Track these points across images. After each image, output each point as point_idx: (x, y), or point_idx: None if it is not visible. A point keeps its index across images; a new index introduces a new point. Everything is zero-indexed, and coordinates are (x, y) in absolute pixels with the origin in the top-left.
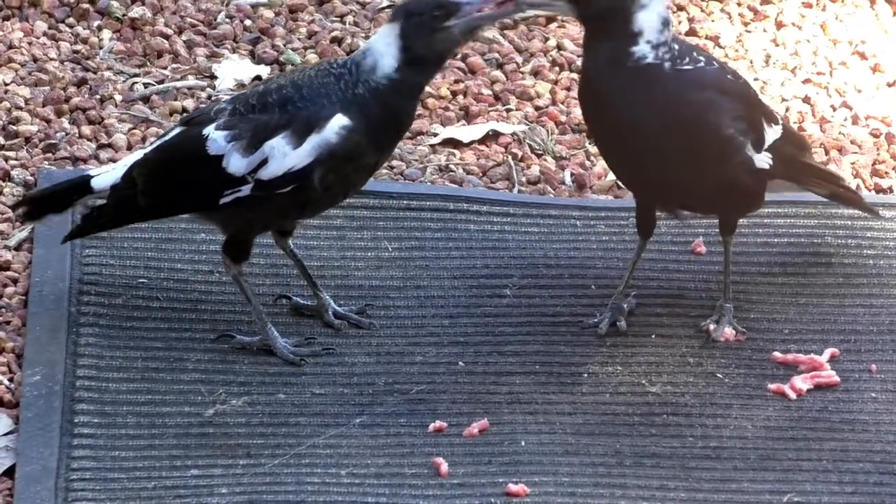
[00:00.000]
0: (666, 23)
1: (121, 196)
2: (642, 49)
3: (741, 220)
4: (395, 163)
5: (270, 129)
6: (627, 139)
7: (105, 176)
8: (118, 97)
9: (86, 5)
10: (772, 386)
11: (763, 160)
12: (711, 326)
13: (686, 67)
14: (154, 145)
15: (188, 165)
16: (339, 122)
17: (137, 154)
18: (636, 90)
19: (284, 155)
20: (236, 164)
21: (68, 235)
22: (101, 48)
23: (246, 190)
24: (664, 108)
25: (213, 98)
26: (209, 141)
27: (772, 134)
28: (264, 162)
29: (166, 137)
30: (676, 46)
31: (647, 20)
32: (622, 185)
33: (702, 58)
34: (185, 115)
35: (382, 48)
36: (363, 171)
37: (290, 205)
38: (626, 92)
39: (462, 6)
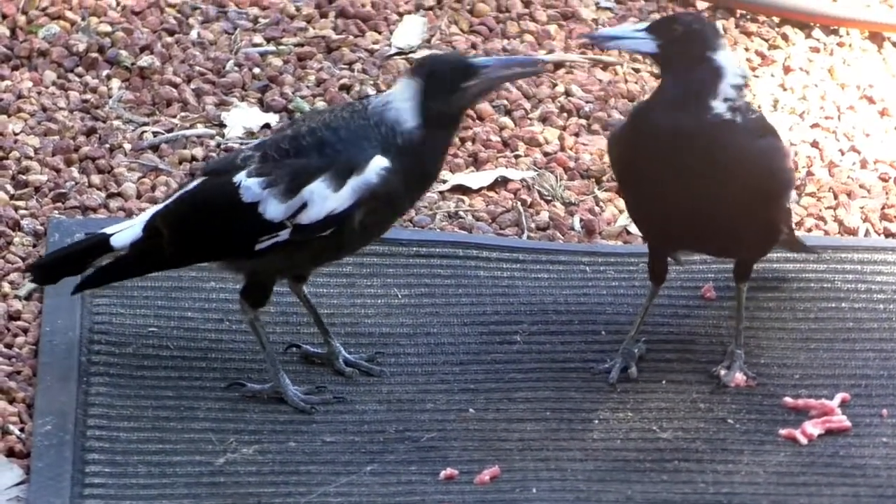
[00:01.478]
0: (740, 87)
1: (143, 249)
2: (720, 107)
3: None
4: None
5: (310, 174)
6: (690, 188)
7: (124, 233)
8: (127, 146)
9: (95, 54)
10: (783, 431)
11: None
12: (722, 372)
13: (750, 116)
14: (176, 196)
15: (222, 214)
16: (379, 163)
17: (155, 207)
18: (714, 142)
19: (325, 198)
20: (274, 210)
21: (79, 287)
22: (110, 97)
23: (284, 235)
24: (736, 157)
25: (222, 146)
26: (242, 188)
27: None
28: (303, 206)
29: (188, 188)
30: (745, 100)
31: (725, 84)
32: (636, 231)
33: (752, 105)
34: (204, 164)
35: (402, 104)
36: (397, 214)
37: (327, 247)
38: (705, 144)
39: (482, 68)
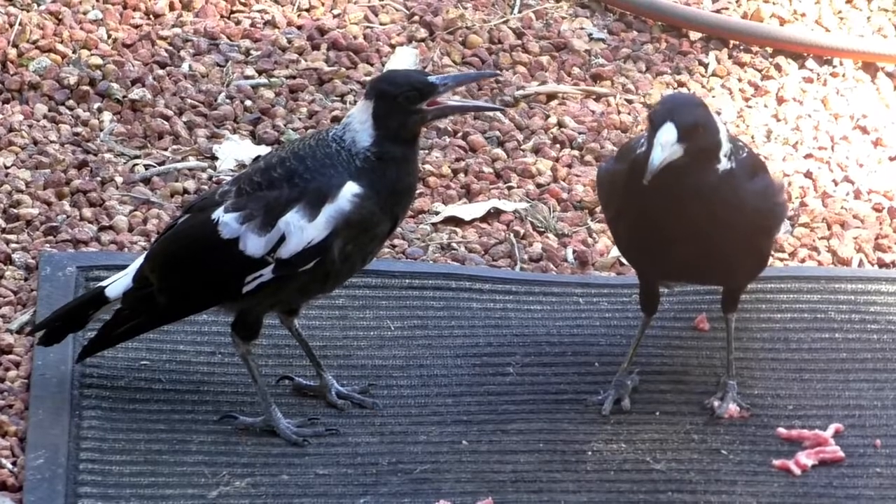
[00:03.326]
0: (728, 135)
1: (136, 298)
2: (723, 163)
3: (743, 296)
4: (396, 241)
5: (282, 205)
6: (691, 229)
7: (118, 283)
8: (119, 179)
9: (86, 87)
10: (776, 462)
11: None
12: (716, 403)
13: (741, 157)
14: (161, 238)
15: (203, 253)
16: (350, 189)
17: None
18: (718, 193)
19: (302, 229)
20: (254, 245)
21: (86, 350)
22: (101, 130)
23: (268, 273)
24: (737, 203)
25: (213, 179)
26: (220, 225)
27: None
28: (282, 240)
29: (172, 229)
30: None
31: (724, 142)
32: (627, 263)
33: (737, 142)
34: (186, 201)
35: (358, 125)
36: (377, 239)
37: (313, 280)
38: (710, 196)
39: (439, 86)
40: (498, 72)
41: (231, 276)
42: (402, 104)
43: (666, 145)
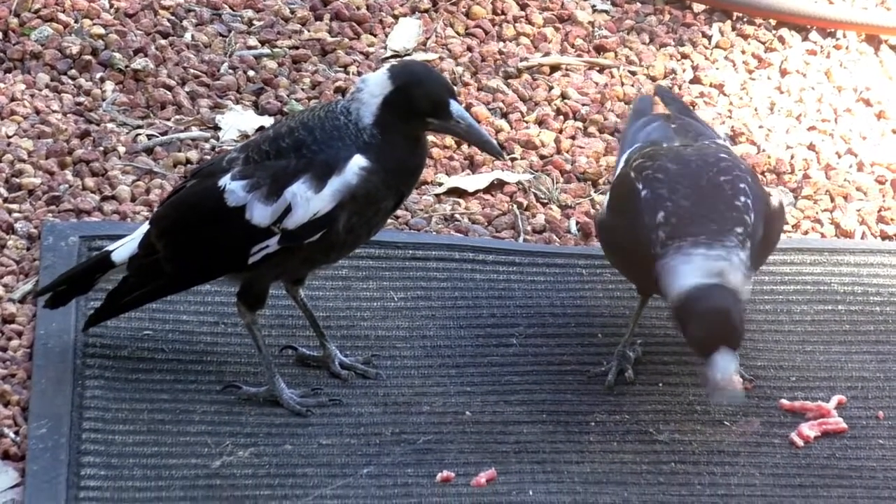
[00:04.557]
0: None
1: (141, 266)
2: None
3: None
4: (400, 213)
5: (290, 175)
6: None
7: (124, 248)
8: (121, 149)
9: (88, 57)
10: (779, 433)
11: None
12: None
13: (757, 238)
14: (166, 201)
15: (209, 220)
16: (357, 162)
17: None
18: None
19: (308, 200)
20: (260, 213)
21: (92, 319)
22: (103, 100)
23: (273, 244)
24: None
25: (217, 149)
26: (227, 192)
27: None
28: (288, 210)
29: (178, 193)
30: None
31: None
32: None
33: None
34: (192, 166)
35: (367, 97)
36: (382, 213)
37: (317, 251)
38: None
39: (453, 115)
40: (505, 157)
41: (237, 246)
42: (414, 107)
43: (725, 381)
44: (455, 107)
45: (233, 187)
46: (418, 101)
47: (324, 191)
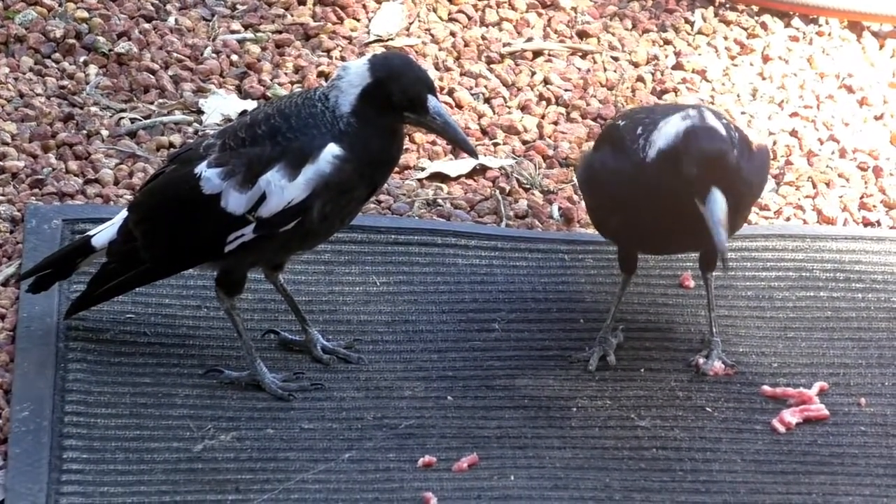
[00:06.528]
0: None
1: (121, 252)
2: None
3: (728, 254)
4: (382, 197)
5: (264, 163)
6: (696, 218)
7: (104, 233)
8: (105, 132)
9: (72, 41)
10: (761, 419)
11: None
12: (701, 360)
13: (735, 137)
14: (144, 188)
15: (184, 208)
16: (331, 150)
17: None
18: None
19: (282, 189)
20: (235, 202)
21: (74, 307)
22: (87, 83)
23: (248, 233)
24: (745, 185)
25: (199, 133)
26: (203, 180)
27: None
28: (262, 198)
29: (156, 179)
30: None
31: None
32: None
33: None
34: (172, 151)
35: (346, 86)
36: (355, 202)
37: (292, 238)
38: None
39: (431, 111)
40: (478, 156)
41: (212, 234)
42: (392, 100)
43: (723, 218)
44: (433, 103)
45: (208, 175)
46: (396, 96)
47: (298, 179)
